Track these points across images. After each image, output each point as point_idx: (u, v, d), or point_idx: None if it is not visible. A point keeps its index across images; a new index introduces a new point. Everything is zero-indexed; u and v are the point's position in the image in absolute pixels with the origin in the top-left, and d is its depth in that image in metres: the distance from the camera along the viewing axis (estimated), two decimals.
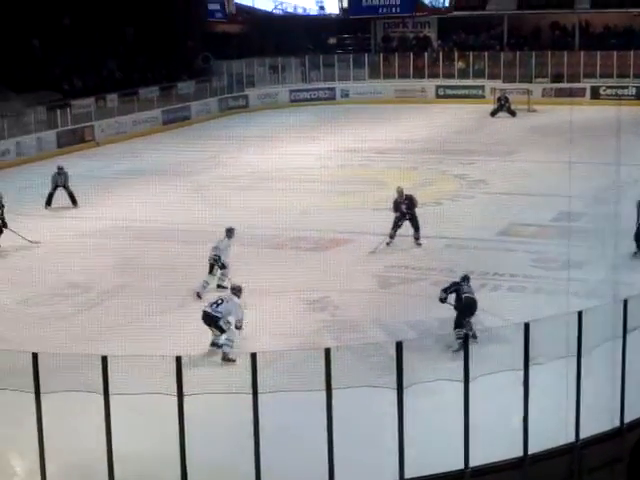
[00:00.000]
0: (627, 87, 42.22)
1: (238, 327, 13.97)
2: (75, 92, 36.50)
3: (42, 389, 9.97)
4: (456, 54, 46.14)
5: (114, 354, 10.06)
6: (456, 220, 21.41)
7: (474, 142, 33.05)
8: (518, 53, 44.94)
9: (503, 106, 39.36)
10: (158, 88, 39.41)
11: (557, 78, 43.52)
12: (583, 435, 10.98)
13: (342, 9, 49.53)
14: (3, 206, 21.15)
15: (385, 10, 47.75)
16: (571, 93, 40.55)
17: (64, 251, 19.80)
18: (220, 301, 14.15)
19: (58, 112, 34.05)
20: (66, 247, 20.14)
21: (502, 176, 26.97)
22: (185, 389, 9.81)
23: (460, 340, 13.16)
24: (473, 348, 10.82)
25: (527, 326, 10.44)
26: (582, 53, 43.73)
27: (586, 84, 42.81)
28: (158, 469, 10.56)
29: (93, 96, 36.22)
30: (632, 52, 42.73)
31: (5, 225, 20.86)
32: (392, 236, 19.79)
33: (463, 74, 45.25)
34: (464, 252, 19.29)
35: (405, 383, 10.11)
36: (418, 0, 47.63)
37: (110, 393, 9.83)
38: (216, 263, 17.04)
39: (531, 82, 43.38)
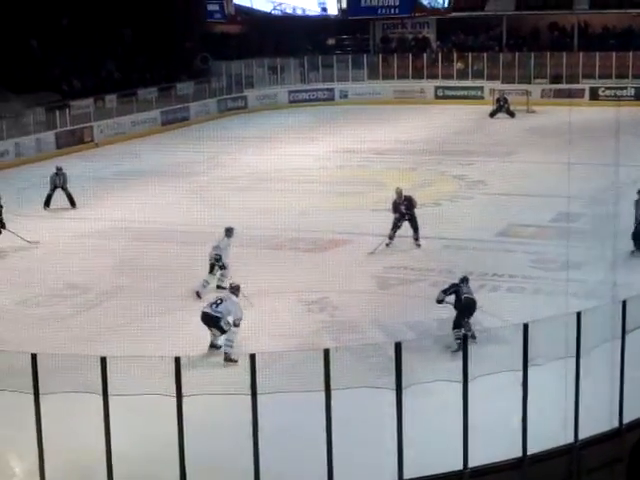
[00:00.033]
0: (626, 88, 42.21)
1: (236, 325, 13.96)
2: (74, 93, 36.51)
3: (41, 390, 9.97)
4: (455, 55, 46.12)
5: (113, 355, 10.05)
6: (455, 221, 21.43)
7: (473, 143, 33.04)
8: (517, 54, 44.93)
9: (502, 107, 39.37)
10: (157, 89, 39.41)
11: (556, 79, 43.51)
12: (582, 436, 10.98)
13: (341, 10, 49.48)
14: (2, 207, 21.16)
15: (384, 11, 47.69)
16: (570, 94, 40.54)
17: (63, 252, 19.83)
18: (219, 301, 14.14)
19: (57, 113, 34.03)
20: (65, 248, 20.16)
21: (501, 177, 26.97)
22: (184, 390, 9.81)
23: (459, 340, 13.18)
24: (472, 349, 10.82)
25: (526, 327, 10.44)
26: (581, 54, 43.71)
27: (585, 85, 42.81)
28: (157, 470, 10.56)
29: (92, 97, 36.22)
30: (631, 53, 42.72)
31: (3, 226, 20.86)
32: (392, 237, 19.80)
33: (462, 75, 45.23)
34: (463, 253, 19.30)
35: (404, 384, 10.11)
36: (417, 1, 47.59)
37: (109, 394, 9.82)
38: (217, 263, 17.04)
39: (530, 83, 43.36)
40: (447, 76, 45.37)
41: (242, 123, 39.81)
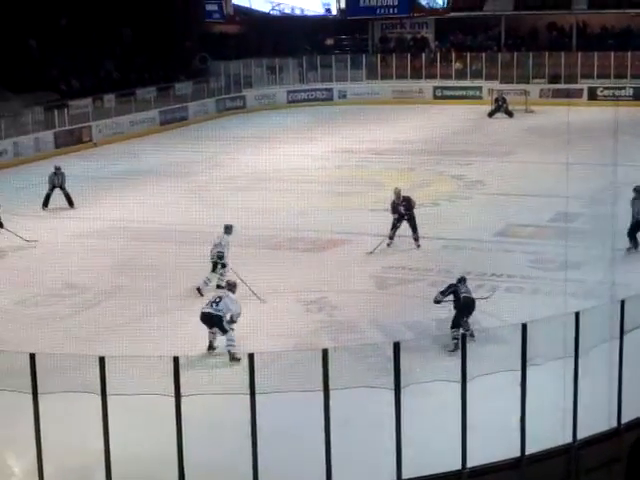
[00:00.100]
0: (624, 88, 42.21)
1: (234, 321, 13.94)
2: (72, 92, 36.50)
3: (40, 390, 9.97)
4: (453, 55, 46.13)
5: (112, 355, 10.04)
6: (454, 221, 21.44)
7: (471, 143, 33.05)
8: (515, 54, 44.93)
9: (501, 107, 39.39)
10: (155, 89, 39.39)
11: (554, 79, 43.52)
12: (580, 435, 10.98)
13: (340, 10, 49.52)
14: (0, 206, 21.15)
15: (383, 11, 47.75)
16: (568, 94, 40.52)
17: (62, 252, 19.83)
18: (218, 299, 14.12)
19: (55, 112, 34.01)
20: (64, 248, 20.16)
21: (499, 177, 26.95)
22: (182, 390, 9.80)
23: (455, 340, 13.19)
24: (470, 348, 10.81)
25: (525, 327, 10.45)
26: (579, 54, 43.69)
27: (583, 85, 42.81)
28: (156, 470, 10.55)
29: (90, 96, 36.20)
30: (629, 53, 42.74)
31: (2, 225, 20.86)
32: (391, 237, 19.81)
33: (460, 75, 45.24)
34: (461, 253, 19.30)
35: (402, 383, 10.11)
36: (415, 1, 47.63)
37: (108, 394, 9.81)
38: (220, 261, 17.02)
39: (528, 83, 43.37)
40: (446, 76, 45.37)
41: (241, 123, 39.81)
